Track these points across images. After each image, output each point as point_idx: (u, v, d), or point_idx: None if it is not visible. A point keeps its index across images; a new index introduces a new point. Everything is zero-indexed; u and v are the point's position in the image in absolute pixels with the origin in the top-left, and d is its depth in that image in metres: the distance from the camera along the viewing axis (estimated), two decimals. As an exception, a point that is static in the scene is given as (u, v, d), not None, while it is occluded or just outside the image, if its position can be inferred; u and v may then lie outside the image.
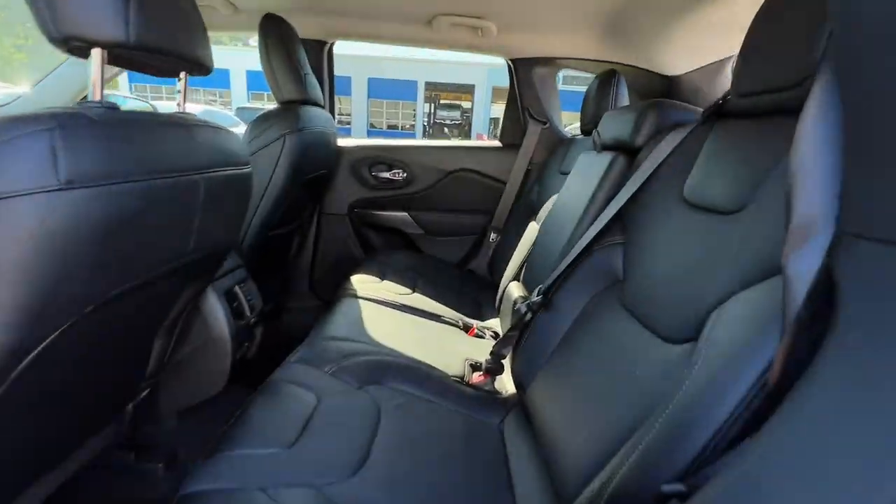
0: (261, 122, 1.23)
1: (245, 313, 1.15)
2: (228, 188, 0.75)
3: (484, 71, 21.73)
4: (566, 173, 1.43)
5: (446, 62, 22.83)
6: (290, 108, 1.27)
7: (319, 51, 1.67)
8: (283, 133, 1.22)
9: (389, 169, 1.84)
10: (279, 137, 1.22)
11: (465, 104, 25.09)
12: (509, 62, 1.75)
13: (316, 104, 1.42)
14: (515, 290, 1.20)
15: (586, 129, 1.42)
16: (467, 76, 22.09)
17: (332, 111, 1.80)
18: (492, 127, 24.10)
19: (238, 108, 11.44)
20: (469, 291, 1.67)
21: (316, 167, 1.47)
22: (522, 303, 0.96)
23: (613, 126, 1.01)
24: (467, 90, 23.12)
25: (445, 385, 0.96)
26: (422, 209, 1.87)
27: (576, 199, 1.02)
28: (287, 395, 0.81)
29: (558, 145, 1.66)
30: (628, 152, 0.92)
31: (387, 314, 1.24)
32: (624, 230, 0.83)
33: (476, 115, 23.25)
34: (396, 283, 1.49)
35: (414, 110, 22.91)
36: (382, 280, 1.49)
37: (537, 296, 0.91)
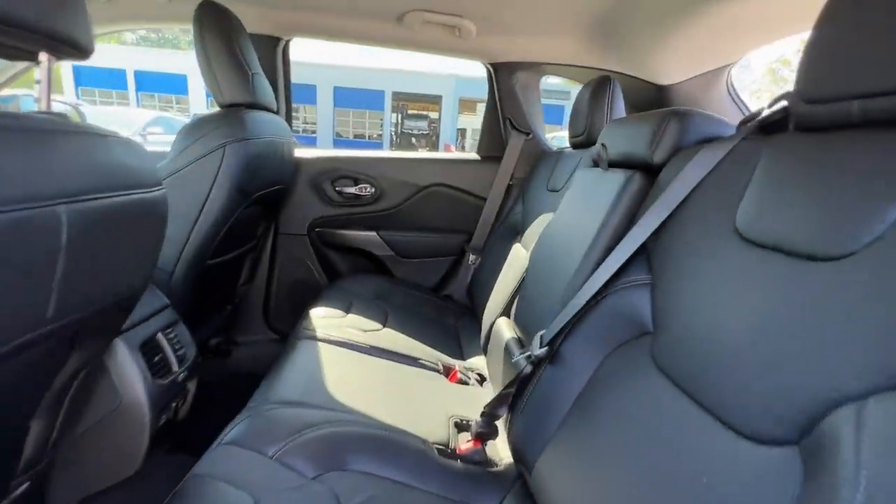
0: (193, 129, 1.01)
1: (171, 368, 0.91)
2: (123, 220, 0.54)
3: (451, 82, 21.86)
4: (555, 191, 1.27)
5: (413, 72, 22.84)
6: (232, 113, 1.06)
7: (272, 49, 1.46)
8: (224, 142, 1.01)
9: (355, 183, 1.64)
10: (218, 148, 1.00)
11: (433, 114, 25.18)
12: (488, 67, 1.59)
13: (266, 109, 1.21)
14: (506, 328, 1.02)
15: (577, 143, 1.27)
16: (434, 87, 22.16)
17: (288, 118, 1.59)
18: (459, 137, 24.23)
19: (195, 116, 10.81)
20: (447, 321, 1.48)
21: (267, 182, 1.25)
22: (520, 354, 0.78)
23: (623, 139, 0.85)
24: (434, 101, 23.19)
25: (425, 460, 0.76)
26: (392, 228, 1.67)
27: (579, 225, 0.85)
28: (211, 501, 0.59)
29: (543, 159, 1.51)
30: (645, 171, 0.77)
31: (352, 361, 1.03)
32: (650, 268, 0.66)
33: (444, 126, 23.33)
34: (364, 315, 1.28)
35: (381, 120, 22.73)
36: (347, 313, 1.27)
37: (541, 347, 0.74)
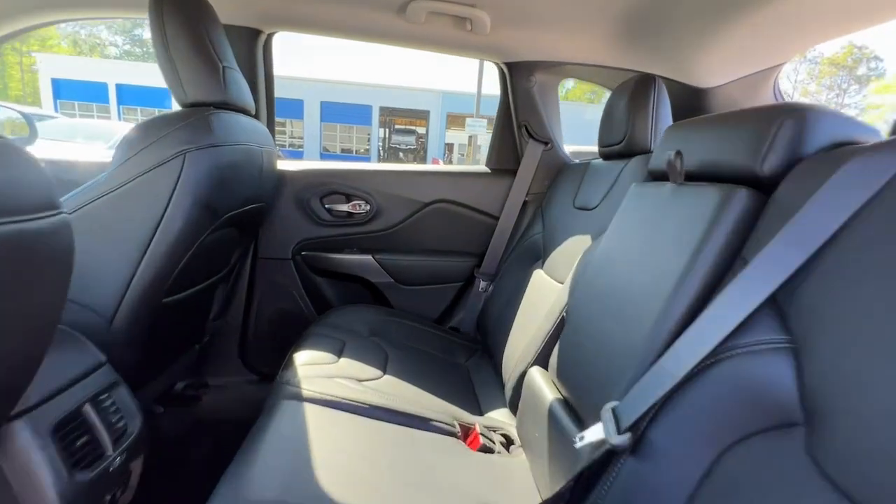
0: (143, 132, 0.79)
1: (103, 451, 0.67)
2: None
3: (438, 97, 21.98)
4: (586, 209, 1.08)
5: (401, 87, 22.92)
6: (197, 113, 0.84)
7: (251, 44, 1.25)
8: (183, 149, 0.79)
9: (348, 200, 1.43)
10: (175, 155, 0.78)
11: (420, 129, 25.27)
12: (502, 67, 1.41)
13: (241, 111, 1.00)
14: (543, 384, 0.81)
15: (612, 153, 1.08)
16: (422, 102, 22.27)
17: (270, 124, 1.37)
18: (447, 152, 24.27)
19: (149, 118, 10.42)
20: (457, 361, 1.26)
21: (243, 200, 1.03)
22: (584, 438, 0.57)
23: (706, 145, 0.66)
24: (422, 115, 23.30)
25: None
26: (390, 251, 1.46)
27: (652, 255, 0.65)
28: None
29: (564, 172, 1.32)
30: (751, 186, 0.57)
31: (348, 429, 0.80)
32: (784, 325, 0.46)
33: (431, 140, 23.40)
34: (359, 359, 1.06)
35: (368, 134, 22.69)
36: (339, 357, 1.05)
37: (619, 431, 0.53)
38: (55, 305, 0.46)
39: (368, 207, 1.42)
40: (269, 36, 1.30)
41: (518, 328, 1.11)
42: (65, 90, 19.27)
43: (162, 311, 0.91)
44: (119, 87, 19.02)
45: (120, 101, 19.19)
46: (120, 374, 0.81)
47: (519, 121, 1.41)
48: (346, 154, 22.62)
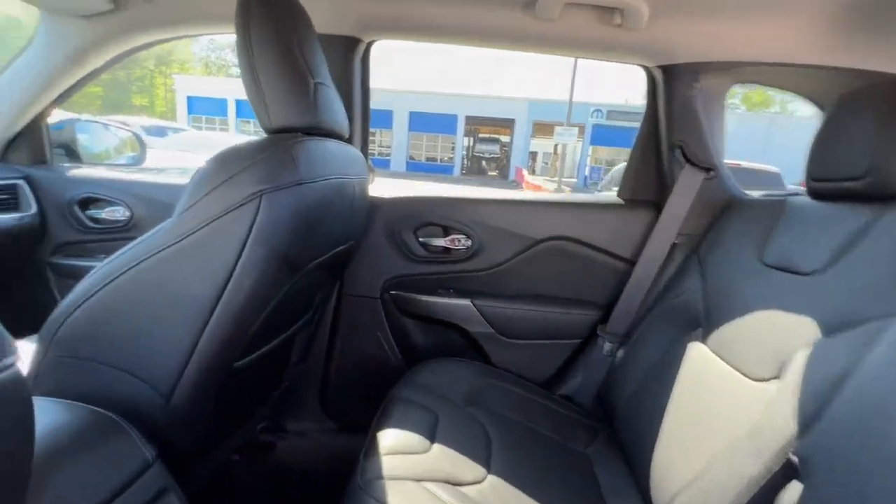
0: (220, 165, 0.63)
1: None
2: None
3: (524, 105, 21.59)
4: (791, 271, 0.74)
5: (486, 97, 22.91)
6: (279, 142, 0.67)
7: (348, 53, 1.09)
8: (259, 189, 0.61)
9: (445, 233, 1.21)
10: (250, 197, 0.61)
11: (504, 138, 25.02)
12: (653, 73, 1.09)
13: (334, 135, 0.82)
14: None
15: (843, 191, 0.73)
16: (507, 111, 22.02)
17: (364, 146, 1.21)
18: (530, 161, 23.70)
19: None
20: (576, 447, 0.97)
21: (331, 242, 0.85)
22: None
23: None
24: (506, 124, 23.07)
25: None
26: (492, 296, 1.21)
27: None
28: None
29: (737, 210, 0.98)
30: None
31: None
32: None
33: (515, 149, 23.06)
34: (456, 447, 0.82)
35: (452, 143, 22.97)
36: (432, 443, 0.82)
37: None
38: (15, 475, 0.29)
39: (469, 243, 1.20)
40: (369, 45, 1.13)
41: (677, 428, 0.79)
42: (195, 106, 22.18)
43: (231, 377, 0.75)
44: (238, 102, 21.42)
45: (238, 115, 21.60)
46: (180, 452, 0.66)
47: (672, 140, 1.08)
48: (430, 163, 23.12)
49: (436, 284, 1.23)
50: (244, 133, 19.50)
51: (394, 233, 1.20)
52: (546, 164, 26.46)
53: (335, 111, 0.81)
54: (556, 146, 18.31)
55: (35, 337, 1.02)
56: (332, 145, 0.79)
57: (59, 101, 1.24)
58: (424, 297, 1.21)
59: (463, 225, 1.19)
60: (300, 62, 0.72)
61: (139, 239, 0.62)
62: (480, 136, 25.41)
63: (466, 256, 1.21)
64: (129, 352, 0.63)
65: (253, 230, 0.61)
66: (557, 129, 12.31)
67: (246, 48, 0.69)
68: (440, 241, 1.21)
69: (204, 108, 21.97)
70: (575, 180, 19.60)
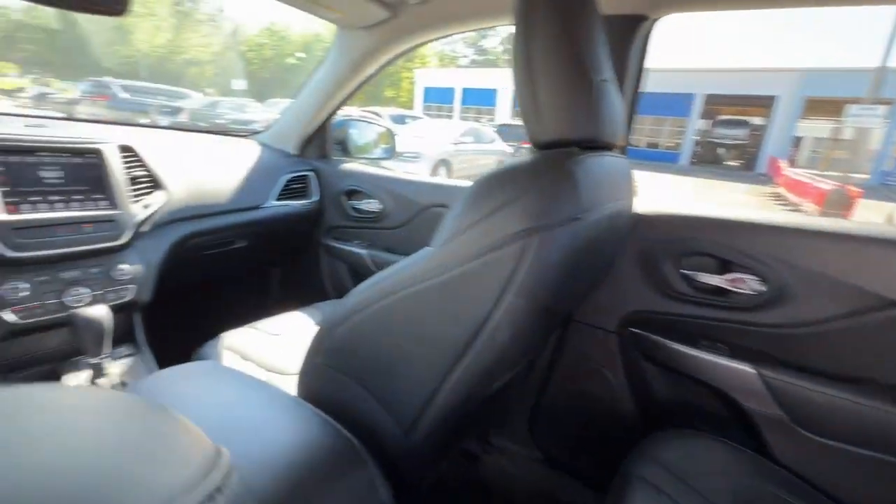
0: (488, 190, 0.53)
1: None
2: None
3: (794, 77, 16.82)
4: None
5: (736, 70, 18.84)
6: (557, 165, 0.53)
7: (629, 33, 0.87)
8: (528, 227, 0.49)
9: (724, 269, 0.91)
10: (517, 236, 0.49)
11: (756, 120, 20.24)
12: None
13: (609, 146, 0.64)
14: None
15: None
16: (766, 85, 17.62)
17: (623, 148, 0.99)
18: (792, 149, 18.56)
19: (499, 125, 11.95)
20: None
21: (593, 281, 0.69)
22: None
23: None
24: (763, 102, 18.55)
25: None
26: (793, 368, 0.86)
27: None
28: None
29: None
30: None
31: None
32: None
33: (773, 134, 18.42)
34: None
35: (682, 127, 19.81)
36: None
37: None
38: None
39: (764, 288, 0.86)
40: (653, 22, 0.89)
41: None
42: (430, 95, 25.17)
43: (467, 414, 0.68)
44: (464, 91, 23.34)
45: (463, 103, 23.56)
46: (404, 480, 0.63)
47: None
48: (651, 149, 20.61)
49: (697, 332, 0.95)
50: (468, 119, 21.11)
51: (649, 258, 0.97)
52: (816, 153, 20.40)
53: (615, 116, 0.63)
54: (836, 130, 13.64)
55: (297, 312, 1.17)
56: (608, 161, 0.62)
57: (343, 103, 1.43)
58: (679, 347, 0.94)
59: (756, 262, 0.87)
60: (584, 58, 0.56)
61: (402, 264, 0.59)
62: (721, 117, 21.12)
63: (754, 305, 0.88)
64: (379, 379, 0.61)
65: (515, 278, 0.50)
66: (853, 107, 9.04)
67: (525, 40, 0.56)
68: (713, 280, 0.91)
69: (436, 97, 24.76)
70: (867, 177, 14.49)
